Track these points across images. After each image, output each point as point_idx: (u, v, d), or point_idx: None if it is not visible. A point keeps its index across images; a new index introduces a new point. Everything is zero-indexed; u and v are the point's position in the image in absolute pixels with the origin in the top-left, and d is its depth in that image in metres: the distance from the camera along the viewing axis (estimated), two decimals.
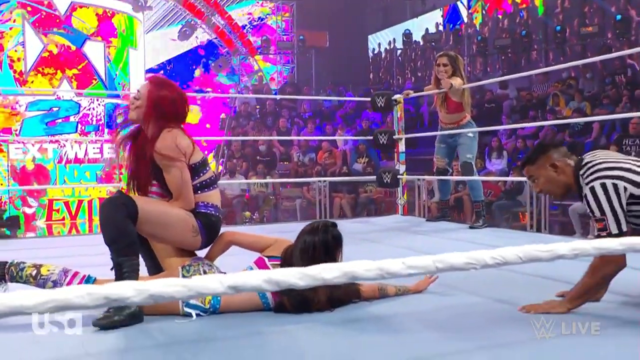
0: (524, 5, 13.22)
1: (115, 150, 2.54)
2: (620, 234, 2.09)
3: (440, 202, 5.37)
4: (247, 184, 9.54)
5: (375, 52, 17.31)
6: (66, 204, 10.68)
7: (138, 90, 2.49)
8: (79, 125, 11.38)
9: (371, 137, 6.07)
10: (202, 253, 2.53)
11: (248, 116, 13.15)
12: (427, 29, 15.23)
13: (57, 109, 11.18)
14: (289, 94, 13.48)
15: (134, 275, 2.19)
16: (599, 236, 2.12)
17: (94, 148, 11.08)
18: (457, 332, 2.05)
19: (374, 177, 6.20)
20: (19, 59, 11.21)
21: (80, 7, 11.80)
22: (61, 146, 10.89)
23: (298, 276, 1.08)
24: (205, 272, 2.34)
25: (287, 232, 2.43)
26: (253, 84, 14.88)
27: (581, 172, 2.23)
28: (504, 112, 10.49)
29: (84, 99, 11.52)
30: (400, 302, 2.44)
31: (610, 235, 2.08)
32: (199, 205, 2.42)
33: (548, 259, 1.30)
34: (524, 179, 7.24)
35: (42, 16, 11.31)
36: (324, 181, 6.91)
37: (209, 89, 14.14)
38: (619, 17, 10.65)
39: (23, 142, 10.76)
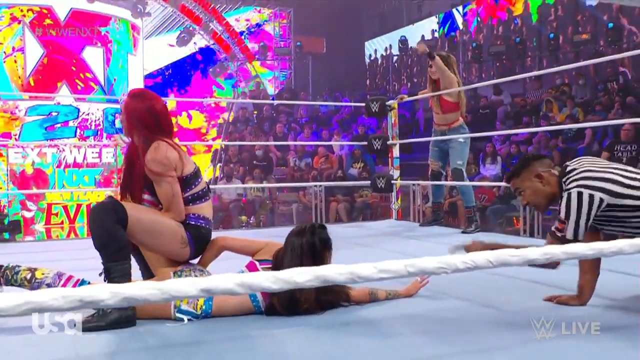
0: (519, 13, 13.38)
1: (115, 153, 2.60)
2: (574, 241, 2.16)
3: (433, 204, 5.43)
4: (243, 188, 9.62)
5: (372, 58, 17.46)
6: (65, 208, 10.75)
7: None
8: (78, 130, 11.46)
9: (366, 143, 6.14)
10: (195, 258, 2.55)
11: (245, 121, 13.25)
12: (422, 36, 15.37)
13: (56, 113, 11.25)
14: (286, 99, 13.57)
15: (123, 279, 2.19)
16: (553, 232, 2.25)
17: (92, 153, 11.15)
18: (446, 336, 2.06)
19: (369, 182, 6.27)
20: (16, 63, 11.31)
21: (80, 12, 11.91)
22: (60, 151, 10.97)
23: (271, 280, 1.08)
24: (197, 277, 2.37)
25: (283, 236, 2.43)
26: (250, 89, 14.99)
27: (564, 179, 2.28)
28: (498, 118, 10.62)
29: (82, 104, 11.61)
30: (390, 306, 2.46)
31: (564, 238, 2.19)
32: (190, 217, 2.43)
33: (518, 263, 1.33)
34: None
35: (42, 22, 11.41)
36: (320, 186, 7.00)
37: (206, 95, 14.25)
38: (610, 25, 10.81)
39: (22, 147, 10.84)
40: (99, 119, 11.76)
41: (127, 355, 1.94)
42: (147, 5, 13.57)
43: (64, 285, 2.28)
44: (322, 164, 10.20)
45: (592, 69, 10.42)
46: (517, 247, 2.09)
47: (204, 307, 2.25)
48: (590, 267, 2.35)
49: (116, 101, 11.60)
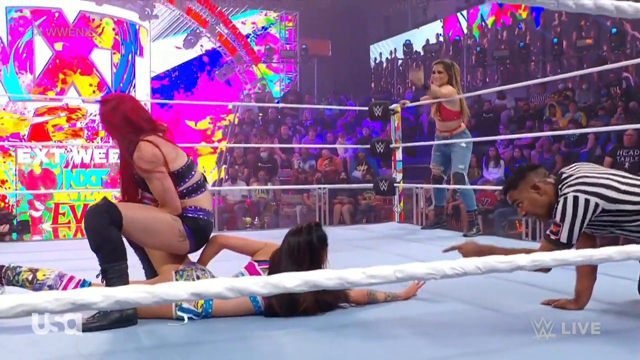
0: (523, 17, 13.44)
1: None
2: (568, 245, 2.19)
3: (435, 208, 5.46)
4: (248, 190, 9.72)
5: (377, 61, 17.53)
6: (72, 207, 10.89)
7: None
8: (86, 131, 11.59)
9: (369, 146, 6.20)
10: (195, 256, 2.56)
11: (251, 123, 13.35)
12: (427, 40, 15.44)
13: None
14: (291, 102, 13.64)
15: (121, 280, 2.21)
16: (547, 236, 2.27)
17: (99, 153, 11.28)
18: (444, 339, 2.06)
19: (372, 184, 6.33)
20: (27, 65, 11.44)
21: (89, 15, 12.05)
22: (68, 151, 11.11)
23: (260, 284, 1.08)
24: (198, 278, 2.36)
25: None
26: (256, 92, 15.09)
27: (560, 185, 2.29)
28: (502, 122, 10.68)
29: (90, 105, 11.73)
30: (389, 308, 2.46)
31: (558, 241, 2.21)
32: (188, 209, 2.41)
33: (507, 269, 1.34)
34: None
35: (51, 24, 11.55)
36: (324, 188, 7.08)
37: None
38: (614, 30, 10.87)
39: (31, 147, 10.98)
40: None
41: (127, 355, 1.96)
42: (154, 7, 13.71)
43: (66, 286, 2.30)
44: (326, 167, 10.28)
45: (595, 74, 10.48)
46: (507, 251, 2.19)
47: (204, 306, 2.27)
48: (588, 272, 2.37)
49: None
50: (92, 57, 11.81)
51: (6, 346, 1.99)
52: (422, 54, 15.60)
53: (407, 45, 15.91)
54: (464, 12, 14.71)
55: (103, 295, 0.99)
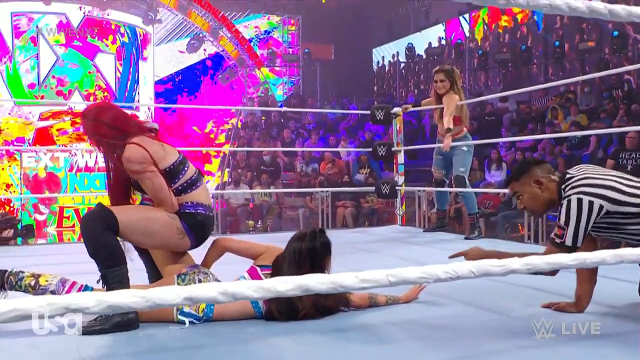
0: (525, 21, 13.48)
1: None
2: (573, 247, 2.18)
3: (437, 211, 5.49)
4: (251, 193, 9.76)
5: (379, 65, 17.58)
6: (76, 211, 10.94)
7: None
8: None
9: (371, 149, 6.23)
10: (199, 258, 2.57)
11: (254, 127, 13.40)
12: (430, 43, 15.49)
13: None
14: (294, 105, 13.68)
15: (121, 284, 2.21)
16: (552, 240, 2.25)
17: (104, 157, 11.34)
18: (445, 342, 2.06)
19: (374, 187, 6.36)
20: (31, 69, 11.53)
21: (93, 20, 12.13)
22: (72, 155, 11.17)
23: (253, 288, 1.08)
24: (200, 281, 2.36)
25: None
26: (259, 95, 15.15)
27: (563, 186, 2.27)
28: (504, 125, 10.70)
29: None
30: (390, 312, 2.45)
31: (563, 244, 2.20)
32: (186, 205, 2.40)
33: (500, 273, 1.35)
34: None
35: (56, 29, 11.63)
36: (327, 191, 7.11)
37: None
38: (615, 33, 10.89)
39: (36, 151, 11.06)
40: None
41: (128, 358, 1.98)
42: (158, 12, 13.78)
43: (68, 291, 2.30)
44: (329, 170, 10.32)
45: (597, 77, 10.50)
46: (512, 256, 2.20)
47: (205, 310, 2.27)
48: (588, 275, 2.37)
49: (130, 107, 11.77)
50: (96, 62, 11.88)
51: (8, 349, 2.01)
52: (424, 57, 15.66)
53: (410, 48, 15.97)
54: (466, 16, 14.76)
55: (96, 300, 0.99)
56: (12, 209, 10.82)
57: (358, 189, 9.13)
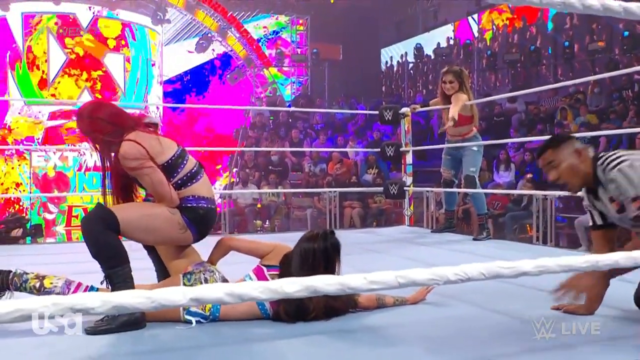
0: (534, 21, 13.42)
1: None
2: None
3: (446, 212, 5.45)
4: (259, 193, 9.77)
5: (388, 65, 17.56)
6: (85, 210, 10.99)
7: None
8: None
9: (379, 150, 6.22)
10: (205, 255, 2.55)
11: (262, 127, 13.42)
12: (438, 43, 15.46)
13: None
14: (302, 105, 13.68)
15: (125, 284, 2.21)
16: (638, 217, 2.09)
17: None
18: (453, 344, 2.04)
19: (382, 188, 6.35)
20: (40, 69, 11.60)
21: (102, 19, 12.20)
22: (81, 154, 11.23)
23: (259, 290, 1.08)
24: (206, 280, 2.35)
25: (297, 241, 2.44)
26: (267, 95, 15.17)
27: (599, 162, 2.17)
28: (513, 126, 10.66)
29: None
30: (397, 313, 2.43)
31: None
32: (187, 199, 2.38)
33: (511, 275, 1.32)
34: (529, 192, 7.27)
35: (66, 29, 11.70)
36: (334, 191, 7.10)
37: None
38: (626, 33, 10.82)
39: (45, 150, 11.12)
40: None
41: (135, 357, 1.97)
42: (166, 12, 13.83)
43: (74, 293, 2.28)
44: (337, 170, 10.32)
45: (607, 78, 10.43)
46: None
47: (212, 310, 2.27)
48: (600, 277, 2.29)
49: (138, 107, 11.82)
50: (105, 61, 11.95)
51: (14, 348, 2.02)
52: (432, 57, 15.62)
53: (418, 48, 15.94)
54: (475, 16, 14.71)
55: (101, 300, 0.98)
56: (21, 208, 10.89)
57: (366, 189, 9.12)
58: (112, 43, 12.12)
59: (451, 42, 15.36)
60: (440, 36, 15.58)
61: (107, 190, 2.47)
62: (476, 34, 14.77)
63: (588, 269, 1.46)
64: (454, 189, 5.26)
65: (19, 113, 11.56)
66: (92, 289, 2.34)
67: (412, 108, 5.87)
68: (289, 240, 2.53)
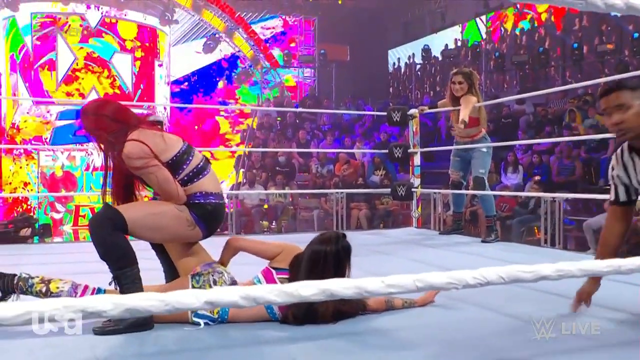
0: (542, 22, 13.35)
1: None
2: None
3: (453, 214, 5.43)
4: (266, 194, 9.77)
5: (395, 66, 17.53)
6: (92, 210, 11.04)
7: None
8: None
9: (387, 151, 6.21)
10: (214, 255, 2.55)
11: (269, 128, 13.43)
12: (446, 45, 15.41)
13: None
14: (309, 106, 13.68)
15: (134, 285, 2.21)
16: None
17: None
18: (461, 347, 2.03)
19: (390, 189, 6.34)
20: (50, 69, 11.66)
21: (110, 20, 12.25)
22: (88, 154, 11.28)
23: (275, 293, 1.06)
24: (215, 282, 2.34)
25: (305, 242, 2.41)
26: (275, 96, 15.18)
27: None
28: (520, 128, 10.61)
29: None
30: (406, 316, 2.43)
31: None
32: (195, 195, 2.36)
33: (531, 279, 1.31)
34: (538, 194, 7.23)
35: (74, 29, 11.76)
36: (341, 193, 7.09)
37: (231, 101, 14.47)
38: (636, 35, 10.75)
39: (53, 150, 11.18)
40: None
41: (142, 359, 1.98)
42: (174, 13, 13.87)
43: (81, 296, 2.25)
44: (344, 171, 10.31)
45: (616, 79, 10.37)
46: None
47: (220, 312, 2.26)
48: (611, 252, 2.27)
49: (145, 107, 11.85)
50: (113, 61, 12.00)
51: (23, 348, 2.02)
52: (440, 59, 15.58)
53: (426, 50, 15.90)
54: (483, 17, 14.66)
55: (113, 303, 0.98)
56: (29, 207, 10.94)
57: (373, 190, 9.10)
58: (119, 43, 12.16)
59: (459, 43, 15.31)
60: (448, 37, 15.54)
61: (107, 189, 2.45)
62: (484, 36, 14.72)
63: (610, 274, 1.44)
64: (463, 191, 5.24)
65: (27, 113, 11.62)
66: (99, 291, 2.33)
67: (420, 109, 5.86)
68: (296, 241, 2.51)
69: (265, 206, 9.91)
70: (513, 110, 11.41)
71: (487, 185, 5.01)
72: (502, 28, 14.32)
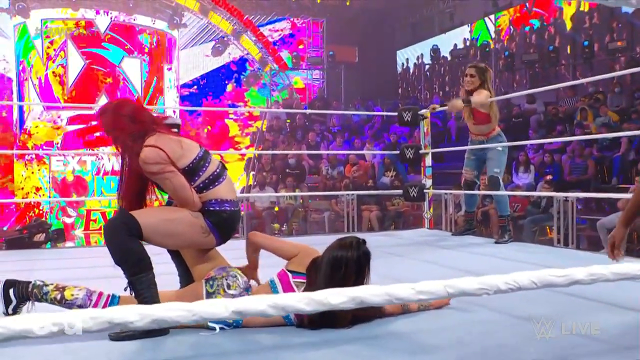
0: (552, 19, 13.27)
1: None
2: None
3: (466, 213, 5.38)
4: (276, 196, 9.77)
5: (404, 67, 17.49)
6: (103, 214, 11.10)
7: None
8: None
9: (398, 152, 6.17)
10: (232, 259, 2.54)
11: (279, 130, 13.43)
12: (455, 45, 15.36)
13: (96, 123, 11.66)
14: (318, 108, 13.68)
15: (149, 291, 2.20)
16: None
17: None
18: (478, 350, 2.02)
19: (401, 191, 6.30)
20: (60, 75, 11.74)
21: (120, 25, 12.31)
22: (99, 159, 11.34)
23: (305, 301, 1.06)
24: (229, 286, 2.33)
25: (316, 244, 2.42)
26: (284, 98, 15.19)
27: None
28: (531, 127, 10.54)
29: None
30: (422, 319, 2.40)
31: None
32: (211, 203, 2.35)
33: (564, 284, 1.30)
34: (551, 193, 7.18)
35: (84, 34, 11.83)
36: (352, 194, 7.07)
37: (240, 104, 14.50)
38: None
39: (64, 155, 11.25)
40: None
41: None
42: (183, 16, 13.91)
43: (96, 304, 2.27)
44: (354, 173, 10.29)
45: (628, 77, 10.28)
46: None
47: None
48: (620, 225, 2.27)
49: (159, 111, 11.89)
50: (123, 66, 12.06)
51: (41, 353, 2.02)
52: (449, 59, 15.52)
53: (435, 50, 15.85)
54: (492, 17, 14.59)
55: (139, 314, 0.97)
56: (41, 212, 11.00)
57: (384, 192, 9.07)
58: (128, 48, 12.22)
59: (468, 43, 15.25)
60: (457, 37, 15.48)
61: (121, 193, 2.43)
62: (493, 35, 14.65)
63: None
64: (475, 191, 5.19)
65: (39, 118, 11.69)
66: (113, 297, 2.32)
67: (432, 107, 5.82)
68: (307, 243, 2.49)
69: (276, 208, 9.91)
70: (524, 109, 11.34)
71: (502, 185, 4.95)
72: (511, 27, 14.24)
